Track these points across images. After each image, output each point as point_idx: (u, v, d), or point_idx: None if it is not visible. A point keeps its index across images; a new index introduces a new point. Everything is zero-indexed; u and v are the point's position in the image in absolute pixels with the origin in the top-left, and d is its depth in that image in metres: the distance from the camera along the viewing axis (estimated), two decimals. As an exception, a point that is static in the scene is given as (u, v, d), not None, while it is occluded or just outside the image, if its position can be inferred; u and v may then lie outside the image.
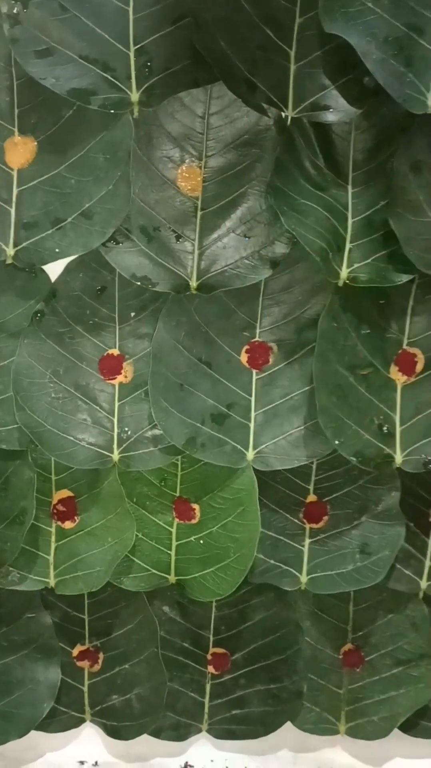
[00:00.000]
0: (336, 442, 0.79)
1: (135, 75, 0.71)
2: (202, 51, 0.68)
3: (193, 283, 0.77)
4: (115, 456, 0.82)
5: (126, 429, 0.82)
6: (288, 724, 0.92)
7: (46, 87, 0.71)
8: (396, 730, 0.92)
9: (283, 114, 0.73)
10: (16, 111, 0.74)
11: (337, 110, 0.71)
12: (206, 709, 0.92)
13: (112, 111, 0.71)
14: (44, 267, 0.79)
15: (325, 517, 0.86)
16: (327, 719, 0.93)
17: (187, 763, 0.95)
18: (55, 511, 0.85)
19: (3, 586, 0.86)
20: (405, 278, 0.76)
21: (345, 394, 0.79)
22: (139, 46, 0.70)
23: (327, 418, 0.78)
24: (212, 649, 0.91)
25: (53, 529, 0.86)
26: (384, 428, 0.81)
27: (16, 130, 0.75)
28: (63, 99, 0.72)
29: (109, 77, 0.70)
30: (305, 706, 0.92)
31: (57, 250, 0.75)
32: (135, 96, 0.71)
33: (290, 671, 0.91)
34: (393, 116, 0.74)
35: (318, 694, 0.92)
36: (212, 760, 0.95)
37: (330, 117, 0.71)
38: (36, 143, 0.74)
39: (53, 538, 0.86)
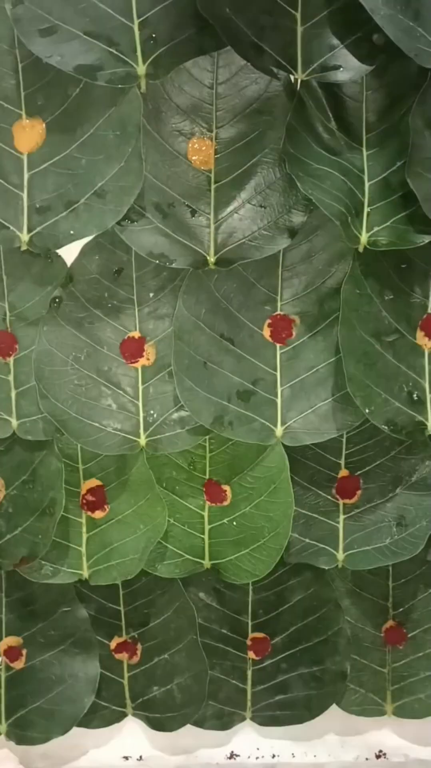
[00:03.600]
0: (367, 410, 0.77)
1: (140, 48, 0.70)
2: (207, 17, 0.67)
3: (211, 258, 0.76)
4: (142, 440, 0.81)
5: (152, 412, 0.81)
6: (334, 707, 0.90)
7: (51, 68, 0.70)
8: (444, 707, 0.90)
9: (293, 77, 0.72)
10: (23, 93, 0.73)
11: (348, 69, 0.70)
12: (249, 696, 0.90)
13: (119, 86, 0.70)
14: (60, 252, 0.78)
15: (358, 492, 0.84)
16: (372, 700, 0.91)
17: (232, 752, 0.93)
18: (84, 501, 0.84)
19: (37, 580, 0.84)
20: (426, 239, 0.74)
21: (373, 361, 0.78)
22: (142, 18, 0.69)
23: (356, 387, 0.76)
24: (251, 634, 0.89)
25: (83, 520, 0.85)
26: (414, 395, 0.79)
27: (23, 113, 0.74)
28: (69, 78, 0.71)
29: (115, 52, 0.69)
30: (349, 687, 0.90)
31: (72, 232, 0.74)
32: (141, 69, 0.70)
33: (332, 652, 0.89)
34: (404, 74, 0.73)
35: (362, 674, 0.90)
36: (258, 748, 0.93)
37: (341, 76, 0.70)
38: (44, 125, 0.74)
39: (84, 529, 0.85)
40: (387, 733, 0.92)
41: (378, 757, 0.93)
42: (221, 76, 0.74)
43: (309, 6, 0.70)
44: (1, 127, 0.74)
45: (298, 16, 0.70)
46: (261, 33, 0.69)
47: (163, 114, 0.74)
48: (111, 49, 0.69)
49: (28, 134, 0.74)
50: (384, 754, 0.92)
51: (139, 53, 0.70)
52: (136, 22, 0.70)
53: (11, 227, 0.75)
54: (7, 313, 0.80)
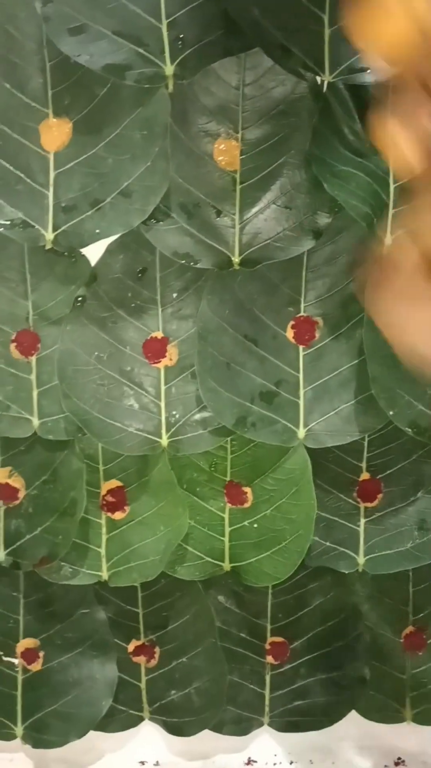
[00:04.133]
0: (391, 412, 0.77)
1: (168, 48, 0.70)
2: (235, 18, 0.68)
3: (236, 259, 0.76)
4: (164, 441, 0.81)
5: (174, 413, 0.81)
6: (352, 714, 0.89)
7: (79, 67, 0.71)
8: (464, 715, 0.89)
9: (319, 79, 0.72)
10: (50, 93, 0.74)
11: (375, 71, 0.70)
12: (267, 701, 0.90)
13: (147, 86, 0.70)
14: (84, 251, 0.78)
15: (380, 495, 0.84)
16: (391, 706, 0.90)
17: (250, 758, 0.92)
18: (104, 502, 0.84)
19: (56, 581, 0.84)
20: (451, 241, 0.74)
21: (395, 363, 0.77)
22: (170, 19, 0.70)
23: (380, 388, 0.76)
24: (270, 638, 0.88)
25: (103, 521, 0.84)
26: (437, 398, 0.79)
27: (50, 112, 0.74)
28: (96, 78, 0.71)
29: (143, 52, 0.70)
30: (368, 693, 0.89)
31: (97, 231, 0.74)
32: (169, 69, 0.70)
33: (352, 657, 0.88)
34: (430, 76, 0.73)
35: (381, 680, 0.89)
36: (275, 755, 0.92)
37: (368, 78, 0.70)
38: (71, 124, 0.74)
39: (104, 530, 0.84)
40: (406, 740, 0.91)
41: (397, 764, 0.92)
42: (248, 78, 0.74)
43: (336, 9, 0.70)
44: (28, 126, 0.74)
45: (326, 18, 0.70)
46: (289, 35, 0.70)
47: (190, 115, 0.74)
48: (139, 49, 0.70)
49: (55, 133, 0.74)
50: (403, 761, 0.92)
51: (167, 54, 0.70)
52: (165, 22, 0.70)
53: (36, 226, 0.75)
54: (30, 312, 0.80)
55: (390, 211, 0.75)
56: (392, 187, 0.75)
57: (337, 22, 0.70)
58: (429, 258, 0.47)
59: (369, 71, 0.70)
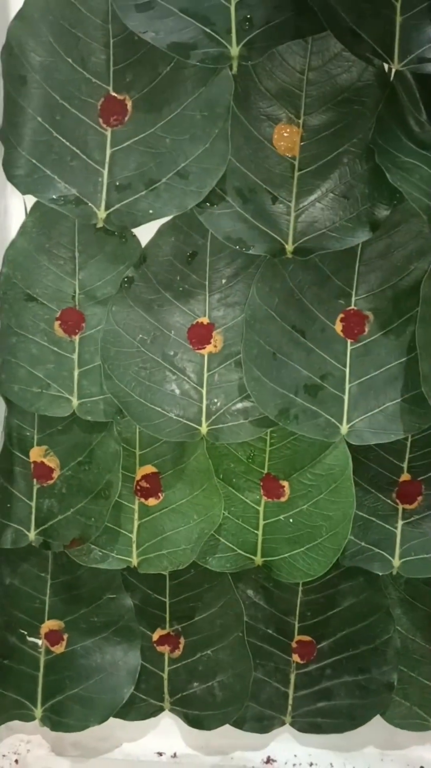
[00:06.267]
0: (439, 412, 0.75)
1: (235, 29, 0.69)
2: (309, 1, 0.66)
3: (289, 247, 0.74)
4: (203, 428, 0.79)
5: (215, 400, 0.79)
6: (376, 719, 0.88)
7: (143, 45, 0.70)
8: None
9: (387, 67, 0.70)
10: (112, 69, 0.73)
11: (447, 61, 0.68)
12: (290, 701, 0.88)
13: (211, 66, 0.69)
14: (135, 231, 0.77)
15: (420, 498, 0.82)
16: (417, 714, 0.88)
17: (269, 757, 0.91)
18: (138, 487, 0.83)
19: (85, 564, 0.83)
20: None
21: (448, 363, 0.76)
22: (239, -1, 0.69)
23: (430, 387, 0.74)
24: (297, 637, 0.87)
25: (136, 506, 0.83)
26: None
27: (110, 88, 0.73)
28: (160, 56, 0.70)
29: (209, 31, 0.68)
30: (394, 699, 0.87)
31: (150, 211, 0.73)
32: (235, 50, 0.69)
33: (380, 662, 0.86)
34: None
35: (409, 687, 0.87)
36: (295, 755, 0.90)
37: (438, 68, 0.69)
38: (131, 102, 0.73)
39: (136, 516, 0.83)
40: (429, 749, 0.90)
41: (419, 773, 0.90)
42: (313, 62, 0.72)
43: (409, -5, 0.69)
44: (87, 102, 0.73)
45: (398, 5, 0.69)
46: (361, 20, 0.68)
47: (251, 97, 0.73)
48: (206, 29, 0.69)
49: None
50: (426, 771, 0.90)
51: (233, 34, 0.69)
52: (233, 2, 0.69)
53: (89, 203, 0.74)
54: (77, 291, 0.79)
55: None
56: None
57: (410, 9, 0.69)
58: None
59: (439, 61, 0.69)
